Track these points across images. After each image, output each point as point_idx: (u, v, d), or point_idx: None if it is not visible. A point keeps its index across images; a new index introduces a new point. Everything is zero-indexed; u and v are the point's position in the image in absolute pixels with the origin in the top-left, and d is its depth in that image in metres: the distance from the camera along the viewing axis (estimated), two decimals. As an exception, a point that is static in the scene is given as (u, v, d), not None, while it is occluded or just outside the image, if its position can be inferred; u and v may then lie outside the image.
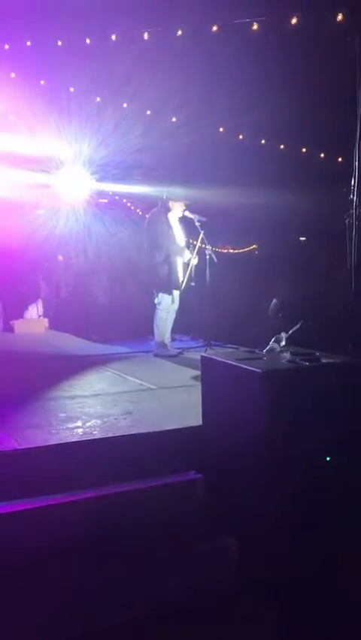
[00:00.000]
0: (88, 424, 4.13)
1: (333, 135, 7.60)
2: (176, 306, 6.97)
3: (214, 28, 6.63)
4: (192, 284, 7.08)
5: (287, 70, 7.19)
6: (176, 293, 6.88)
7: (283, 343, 4.01)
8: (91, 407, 4.61)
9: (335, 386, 3.50)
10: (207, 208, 7.27)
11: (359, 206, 4.81)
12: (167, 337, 6.96)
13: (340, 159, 8.52)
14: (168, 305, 6.85)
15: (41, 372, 6.11)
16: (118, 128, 8.61)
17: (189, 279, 7.01)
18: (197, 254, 7.04)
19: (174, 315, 7.04)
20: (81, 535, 3.22)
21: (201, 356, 4.03)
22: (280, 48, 6.73)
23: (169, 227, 6.79)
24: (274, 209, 9.22)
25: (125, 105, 8.54)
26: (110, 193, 10.66)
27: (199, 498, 3.67)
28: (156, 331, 6.92)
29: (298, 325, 4.34)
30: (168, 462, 3.77)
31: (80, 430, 4.01)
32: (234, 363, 3.59)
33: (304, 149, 10.02)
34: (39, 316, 9.94)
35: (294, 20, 6.28)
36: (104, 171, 9.69)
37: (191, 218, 6.93)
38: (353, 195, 4.82)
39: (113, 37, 6.98)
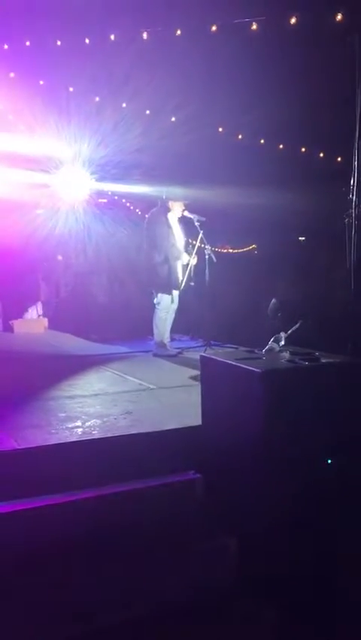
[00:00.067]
0: (87, 424, 4.14)
1: (332, 135, 7.60)
2: (175, 305, 6.98)
3: (213, 28, 6.63)
4: (192, 284, 7.08)
5: (287, 70, 7.19)
6: (175, 293, 6.89)
7: (283, 343, 4.01)
8: (90, 407, 4.61)
9: (334, 386, 3.51)
10: (206, 208, 7.27)
11: (359, 206, 4.81)
12: (166, 337, 6.96)
13: (339, 159, 8.51)
14: (167, 305, 6.85)
15: (41, 372, 6.11)
16: (117, 127, 8.61)
17: (189, 279, 7.01)
18: (196, 254, 7.05)
19: (174, 315, 7.04)
20: (81, 535, 3.22)
21: (201, 356, 4.03)
22: (280, 48, 6.74)
23: (169, 227, 6.78)
24: (273, 208, 9.22)
25: (124, 105, 8.53)
26: (110, 193, 10.65)
27: (198, 498, 3.67)
28: (155, 331, 6.92)
29: (297, 325, 4.34)
30: (167, 462, 3.78)
31: (79, 430, 4.01)
32: (233, 362, 3.59)
33: (303, 149, 10.02)
34: (39, 316, 9.94)
35: (293, 20, 6.28)
36: (104, 171, 9.69)
37: (190, 218, 6.93)
38: (353, 195, 4.81)
39: (113, 37, 6.97)
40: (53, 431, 3.97)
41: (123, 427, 4.10)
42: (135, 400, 4.85)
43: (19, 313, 9.66)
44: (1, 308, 9.61)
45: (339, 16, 6.04)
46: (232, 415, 3.58)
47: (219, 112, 8.64)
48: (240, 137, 9.58)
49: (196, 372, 4.92)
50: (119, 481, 3.54)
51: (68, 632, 2.91)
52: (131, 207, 10.94)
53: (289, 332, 4.15)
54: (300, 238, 11.70)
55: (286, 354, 3.78)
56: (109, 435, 3.92)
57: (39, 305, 10.04)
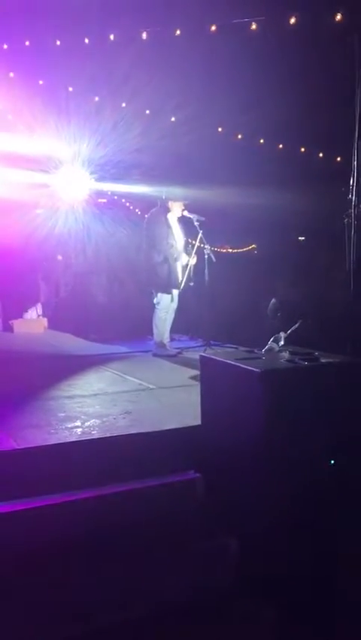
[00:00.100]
0: (87, 424, 4.14)
1: (332, 135, 7.60)
2: (175, 305, 6.98)
3: (213, 28, 6.63)
4: (191, 284, 7.08)
5: (286, 70, 7.19)
6: (175, 292, 6.89)
7: (282, 343, 4.01)
8: (90, 407, 4.61)
9: (333, 386, 3.51)
10: (206, 208, 7.27)
11: (358, 206, 4.81)
12: (166, 337, 6.96)
13: (338, 159, 8.52)
14: (167, 305, 6.85)
15: (40, 372, 6.11)
16: (117, 127, 8.60)
17: (188, 279, 7.01)
18: (196, 253, 7.05)
19: (173, 315, 7.04)
20: (80, 535, 3.22)
21: (200, 356, 4.03)
22: (279, 48, 6.73)
23: (168, 227, 6.78)
24: (273, 208, 9.22)
25: (123, 105, 8.53)
26: (109, 193, 10.65)
27: (198, 497, 3.67)
28: (155, 331, 6.92)
29: (296, 325, 4.34)
30: (167, 461, 3.78)
31: (79, 430, 4.01)
32: (233, 362, 3.59)
33: (302, 149, 10.02)
34: (38, 316, 9.94)
35: (293, 20, 6.27)
36: (103, 171, 9.69)
37: (190, 218, 6.93)
38: (352, 195, 4.82)
39: (112, 37, 6.97)
40: (53, 431, 3.97)
41: (123, 426, 4.10)
42: (135, 400, 4.85)
43: (19, 313, 9.65)
44: (1, 308, 9.60)
45: (338, 16, 6.04)
46: (231, 415, 3.58)
47: (218, 112, 8.63)
48: (239, 137, 9.58)
49: (196, 372, 4.93)
50: (118, 481, 3.54)
51: (67, 632, 2.91)
52: (131, 207, 10.93)
53: (289, 332, 4.15)
54: (300, 238, 11.70)
55: (286, 354, 3.78)
56: (108, 435, 3.92)
57: (39, 305, 10.04)
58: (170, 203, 6.86)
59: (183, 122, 8.76)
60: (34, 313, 9.90)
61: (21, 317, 9.60)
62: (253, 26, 6.48)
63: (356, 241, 4.85)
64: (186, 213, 6.91)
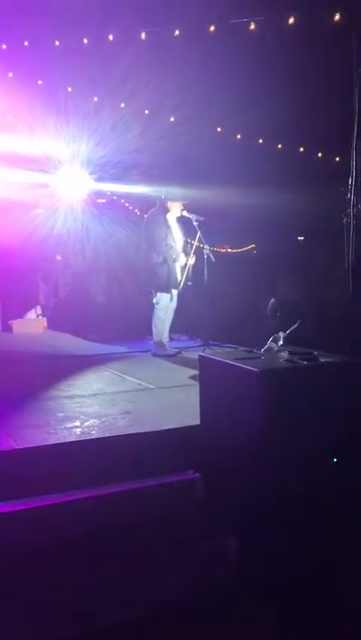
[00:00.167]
0: (86, 424, 4.14)
1: (330, 135, 7.60)
2: (174, 305, 6.98)
3: (212, 28, 6.63)
4: (189, 283, 7.08)
5: (285, 70, 7.18)
6: (174, 292, 6.89)
7: (281, 342, 4.02)
8: (89, 407, 4.61)
9: (332, 385, 3.51)
10: (205, 208, 7.27)
11: (356, 206, 4.81)
12: (165, 337, 6.96)
13: (337, 158, 8.52)
14: (166, 304, 6.85)
15: (40, 372, 6.11)
16: (116, 127, 8.60)
17: (187, 279, 7.01)
18: (195, 253, 7.05)
19: (173, 315, 7.04)
20: (80, 535, 3.22)
21: (199, 355, 4.04)
22: (278, 48, 6.73)
23: (167, 227, 6.79)
24: (272, 208, 9.21)
25: (122, 105, 8.53)
26: (109, 193, 10.65)
27: (198, 497, 3.67)
28: (154, 331, 6.92)
29: (296, 325, 4.34)
30: (166, 461, 3.78)
31: (78, 430, 4.01)
32: (232, 362, 3.60)
33: (301, 149, 10.02)
34: (38, 316, 9.94)
35: (291, 20, 6.27)
36: (103, 171, 9.68)
37: (189, 218, 6.93)
38: (351, 194, 4.82)
39: (111, 37, 6.97)
40: (52, 431, 3.97)
41: (122, 426, 4.10)
42: (134, 400, 4.85)
43: (19, 313, 9.65)
44: (0, 308, 9.60)
45: (337, 17, 6.04)
46: (230, 415, 3.59)
47: (217, 112, 8.63)
48: (238, 137, 9.58)
49: (195, 372, 4.92)
50: (118, 481, 3.54)
51: (67, 632, 2.92)
52: (130, 207, 10.93)
53: (288, 331, 4.16)
54: (299, 238, 11.69)
55: (285, 354, 3.78)
56: (108, 435, 3.92)
57: (38, 306, 10.04)
58: (169, 204, 6.86)
59: (182, 122, 8.76)
60: (33, 312, 9.90)
61: (20, 317, 9.60)
62: (252, 26, 6.48)
63: (354, 241, 4.85)
64: (185, 213, 6.91)
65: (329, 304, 6.26)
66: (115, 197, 10.80)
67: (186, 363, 6.31)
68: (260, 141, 9.72)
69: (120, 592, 3.08)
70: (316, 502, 3.39)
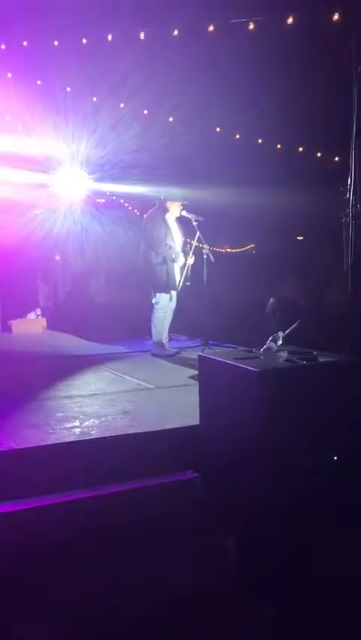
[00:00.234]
0: (85, 424, 4.14)
1: (330, 134, 7.60)
2: (173, 305, 6.98)
3: (211, 28, 6.63)
4: (188, 283, 7.08)
5: (284, 70, 7.19)
6: (174, 292, 6.89)
7: (281, 342, 4.01)
8: (89, 407, 4.61)
9: (332, 385, 3.51)
10: (204, 208, 7.27)
11: (356, 205, 4.81)
12: (164, 337, 6.96)
13: (336, 158, 8.52)
14: (165, 304, 6.86)
15: (39, 372, 6.11)
16: (115, 127, 8.60)
17: (186, 279, 7.01)
18: (194, 253, 7.05)
19: (172, 315, 7.04)
20: (79, 535, 3.22)
21: (199, 355, 4.04)
22: (277, 47, 6.73)
23: (167, 227, 6.79)
24: (271, 208, 9.22)
25: (122, 105, 8.53)
26: (108, 193, 10.66)
27: (197, 497, 3.68)
28: (153, 331, 6.93)
29: (295, 324, 4.34)
30: (165, 461, 3.78)
31: (77, 430, 4.01)
32: (231, 362, 3.59)
33: (301, 149, 10.03)
34: (37, 316, 9.94)
35: (290, 20, 6.27)
36: (102, 171, 9.69)
37: (188, 218, 6.93)
38: (350, 194, 4.81)
39: (110, 37, 6.97)
40: (51, 431, 3.97)
41: (121, 426, 4.10)
42: (133, 400, 4.85)
43: (18, 313, 9.65)
44: (0, 308, 9.60)
45: (336, 16, 6.04)
46: (230, 414, 3.59)
47: (217, 112, 8.64)
48: (238, 136, 9.58)
49: (194, 372, 4.93)
50: (117, 481, 3.54)
51: (67, 632, 2.91)
52: (130, 207, 10.94)
53: (287, 331, 4.15)
54: (298, 237, 11.70)
55: (284, 354, 3.78)
56: (107, 435, 3.92)
57: (37, 307, 10.05)
58: (168, 204, 6.86)
59: (182, 122, 8.76)
60: (32, 313, 9.90)
61: (20, 317, 9.60)
62: (251, 26, 6.48)
63: (354, 240, 4.84)
64: (184, 213, 6.92)
65: (328, 304, 6.25)
66: (114, 198, 10.81)
67: (186, 363, 6.32)
68: (259, 141, 9.73)
69: (120, 592, 3.08)
70: (316, 501, 3.38)
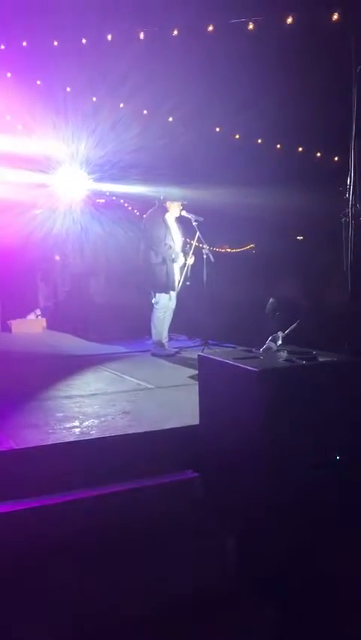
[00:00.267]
0: (85, 424, 4.14)
1: (329, 134, 7.60)
2: (173, 305, 6.98)
3: (210, 28, 6.63)
4: (188, 283, 7.08)
5: (283, 70, 7.19)
6: (173, 292, 6.89)
7: (280, 342, 4.01)
8: (88, 407, 4.61)
9: (331, 385, 3.51)
10: (204, 208, 7.27)
11: (355, 205, 4.81)
12: (164, 337, 6.96)
13: (336, 158, 8.52)
14: (165, 304, 6.86)
15: (39, 372, 6.11)
16: (115, 127, 8.61)
17: (185, 279, 7.01)
18: (194, 253, 7.05)
19: (172, 315, 7.04)
20: (79, 535, 3.22)
21: (199, 355, 4.03)
22: (276, 47, 6.73)
23: (166, 227, 6.79)
24: (271, 208, 9.22)
25: (121, 105, 8.53)
26: (108, 193, 10.66)
27: (197, 497, 3.67)
28: (153, 331, 6.93)
29: (295, 324, 4.34)
30: (165, 461, 3.78)
31: (77, 430, 4.01)
32: (231, 362, 3.59)
33: (300, 149, 10.03)
34: (37, 316, 9.94)
35: (290, 20, 6.28)
36: (102, 171, 9.69)
37: (188, 218, 6.93)
38: (349, 194, 4.81)
39: (110, 37, 6.97)
40: (51, 431, 3.97)
41: (121, 426, 4.10)
42: (133, 400, 4.85)
43: (18, 313, 9.65)
44: (0, 308, 9.60)
45: (335, 16, 6.04)
46: (229, 414, 3.58)
47: (216, 112, 8.64)
48: (237, 136, 9.58)
49: (194, 372, 4.93)
50: (117, 481, 3.54)
51: (67, 632, 2.91)
52: (129, 207, 10.94)
53: (287, 331, 4.15)
54: (298, 237, 11.70)
55: (284, 354, 3.78)
56: (107, 435, 3.92)
57: (37, 307, 10.05)
58: (168, 204, 6.86)
59: (182, 121, 8.76)
60: (32, 313, 9.90)
61: (19, 317, 9.60)
62: (251, 26, 6.48)
63: (353, 240, 4.84)
64: (184, 213, 6.92)
65: (328, 304, 6.25)
66: (114, 198, 10.81)
67: (185, 363, 6.32)
68: (259, 141, 9.73)
69: (120, 592, 3.08)
70: (315, 501, 3.39)
